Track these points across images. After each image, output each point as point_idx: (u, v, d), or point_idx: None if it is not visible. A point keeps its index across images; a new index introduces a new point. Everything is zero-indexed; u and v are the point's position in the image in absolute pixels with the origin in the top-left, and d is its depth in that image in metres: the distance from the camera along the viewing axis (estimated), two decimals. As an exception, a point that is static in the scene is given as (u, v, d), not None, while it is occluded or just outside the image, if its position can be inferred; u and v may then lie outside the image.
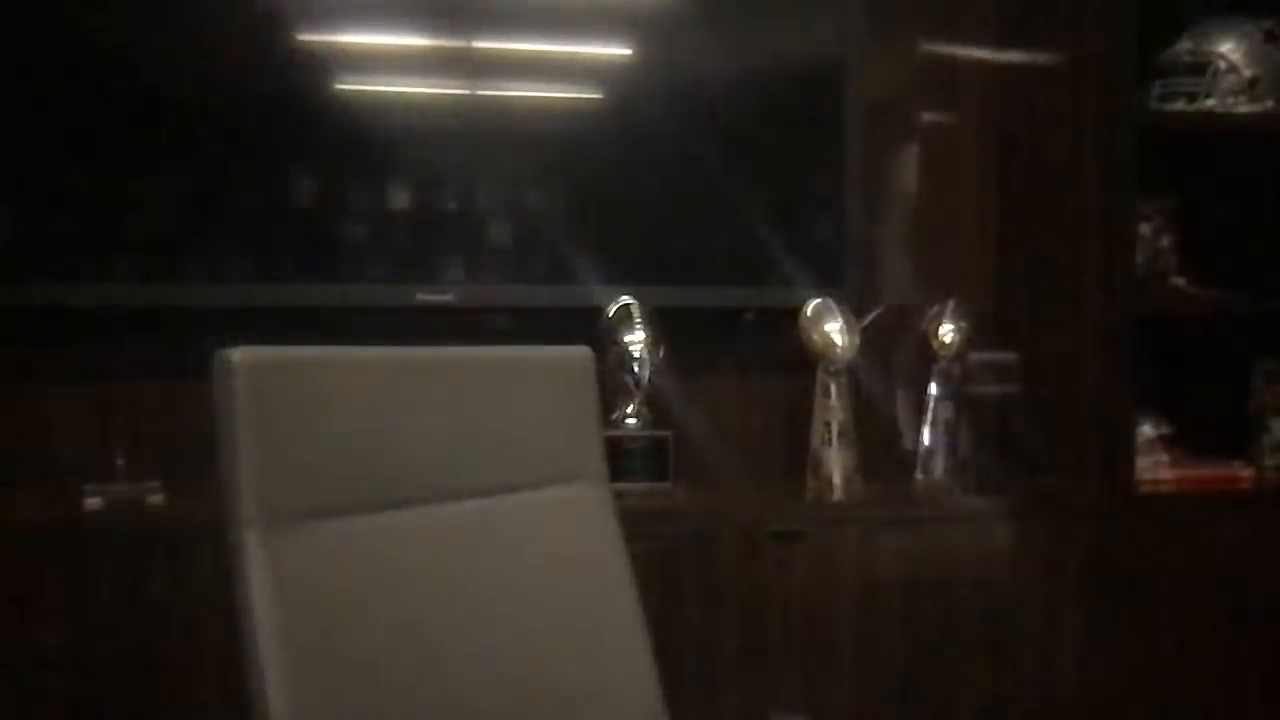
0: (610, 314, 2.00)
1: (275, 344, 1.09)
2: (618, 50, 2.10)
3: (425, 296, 1.99)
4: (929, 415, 2.12)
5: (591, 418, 1.30)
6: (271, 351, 1.06)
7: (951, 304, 2.14)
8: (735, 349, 2.22)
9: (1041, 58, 2.17)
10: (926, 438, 2.12)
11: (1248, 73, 2.06)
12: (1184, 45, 2.09)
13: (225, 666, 1.67)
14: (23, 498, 1.88)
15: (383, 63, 2.05)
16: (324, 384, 1.09)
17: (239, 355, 1.03)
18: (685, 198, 2.10)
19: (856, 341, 1.99)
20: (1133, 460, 1.98)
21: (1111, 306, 1.96)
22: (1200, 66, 2.06)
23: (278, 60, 1.96)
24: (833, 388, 1.98)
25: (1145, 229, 2.14)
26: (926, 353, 2.15)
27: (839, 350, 1.98)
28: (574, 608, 1.22)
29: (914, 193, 2.32)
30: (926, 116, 2.32)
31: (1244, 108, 2.06)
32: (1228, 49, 2.06)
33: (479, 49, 2.05)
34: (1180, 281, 2.18)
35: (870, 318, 2.13)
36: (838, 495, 1.95)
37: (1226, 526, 1.98)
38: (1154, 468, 2.04)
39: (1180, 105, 2.06)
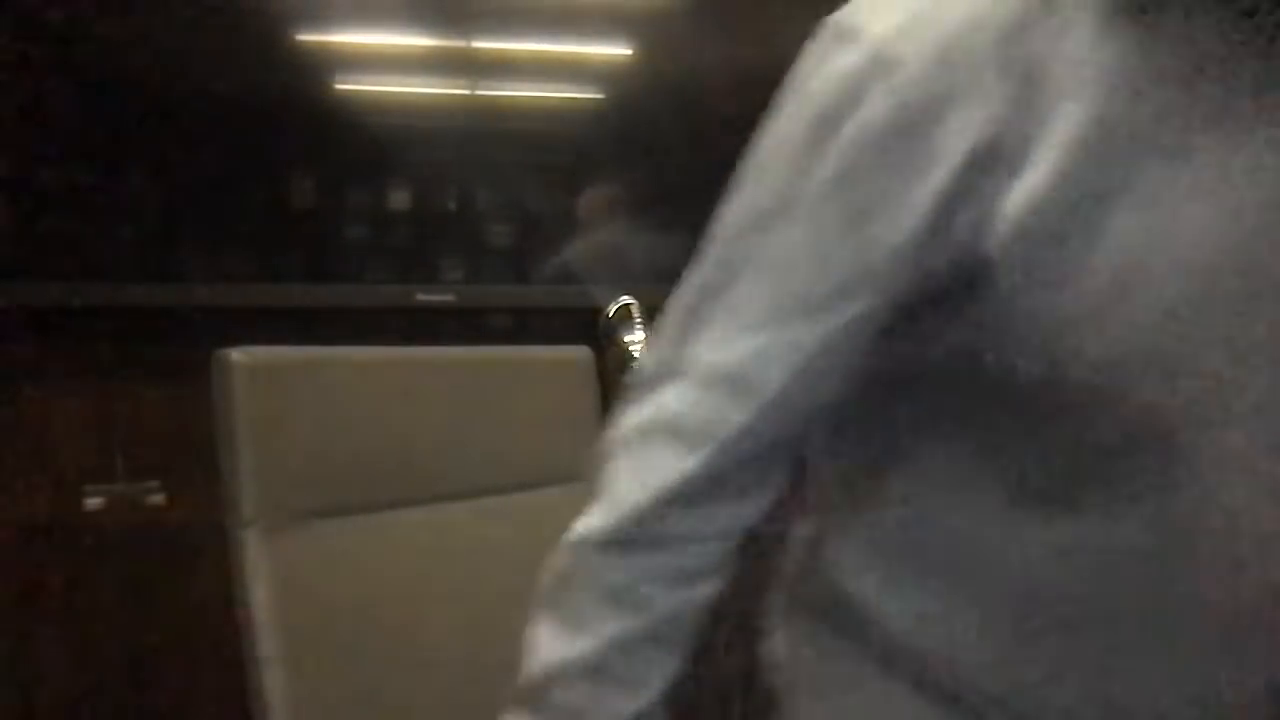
0: (610, 314, 1.99)
1: (275, 344, 1.09)
2: (618, 50, 2.10)
3: (425, 296, 1.99)
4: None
5: (591, 418, 1.30)
6: (271, 351, 1.06)
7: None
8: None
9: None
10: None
11: (1248, 73, 2.05)
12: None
13: (225, 666, 1.67)
14: (23, 498, 1.88)
15: (383, 63, 2.05)
16: (324, 384, 1.09)
17: (239, 355, 1.03)
18: (685, 198, 2.10)
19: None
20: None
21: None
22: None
23: (278, 60, 1.96)
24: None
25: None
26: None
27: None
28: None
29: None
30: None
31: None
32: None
33: (479, 49, 2.05)
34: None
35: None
36: (838, 495, 1.94)
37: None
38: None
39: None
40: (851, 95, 0.61)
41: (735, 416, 0.64)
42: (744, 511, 0.67)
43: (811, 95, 0.64)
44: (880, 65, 0.60)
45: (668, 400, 0.66)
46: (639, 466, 0.66)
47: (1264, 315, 0.59)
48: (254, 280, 1.96)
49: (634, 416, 0.68)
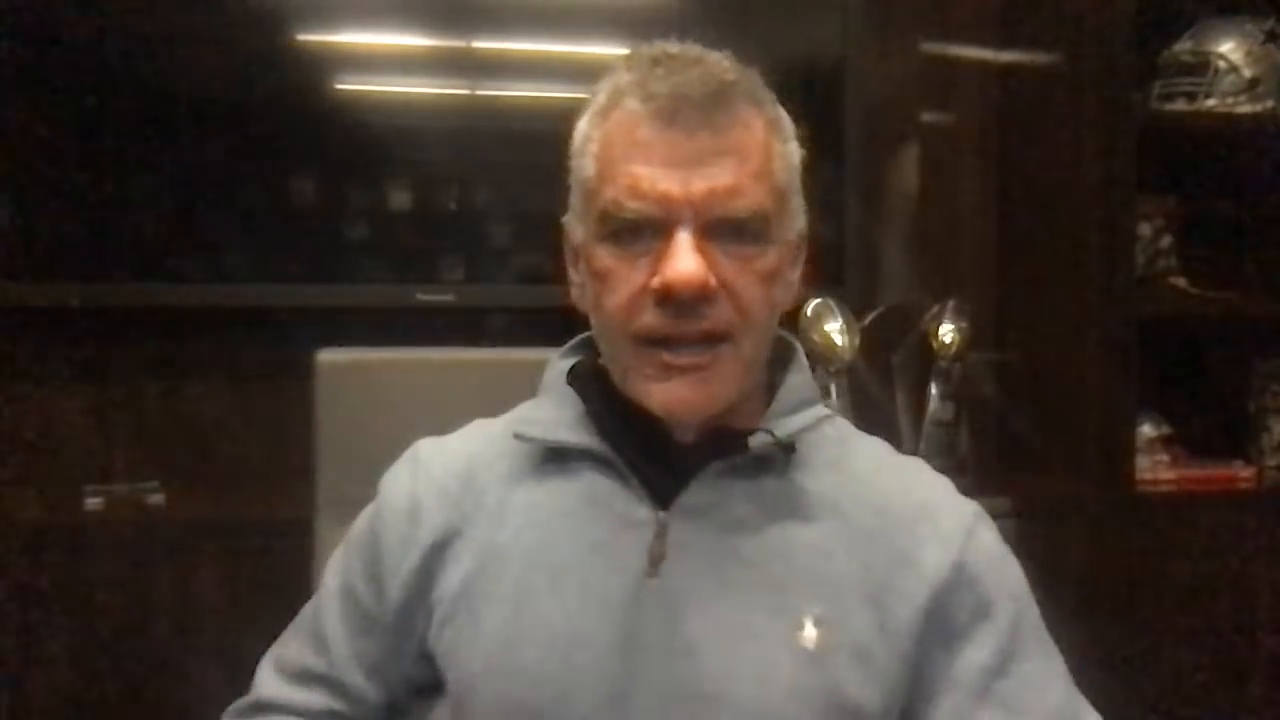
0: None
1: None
2: (618, 50, 2.10)
3: (425, 296, 1.99)
4: (929, 415, 2.12)
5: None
6: (355, 353, 1.20)
7: (951, 304, 2.14)
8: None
9: (1041, 58, 2.17)
10: (926, 438, 2.12)
11: (1248, 73, 2.05)
12: (1184, 45, 2.09)
13: (226, 666, 1.67)
14: (23, 498, 1.88)
15: (383, 63, 2.05)
16: (399, 383, 1.15)
17: (327, 356, 1.09)
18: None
19: (856, 341, 1.99)
20: (1133, 460, 1.98)
21: (1111, 306, 1.96)
22: (1200, 66, 2.06)
23: (278, 60, 1.96)
24: (833, 388, 1.98)
25: (1145, 229, 2.14)
26: (926, 353, 2.15)
27: (839, 350, 1.98)
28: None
29: (914, 193, 2.32)
30: (926, 116, 2.32)
31: (1244, 108, 2.06)
32: (1228, 49, 2.06)
33: (479, 49, 2.05)
34: (1180, 281, 2.18)
35: (870, 318, 2.13)
36: (838, 495, 1.94)
37: (1226, 526, 1.98)
38: (1154, 468, 2.04)
39: (1180, 105, 2.06)
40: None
41: None
42: None
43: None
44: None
45: None
46: None
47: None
48: (254, 280, 1.96)
49: None
